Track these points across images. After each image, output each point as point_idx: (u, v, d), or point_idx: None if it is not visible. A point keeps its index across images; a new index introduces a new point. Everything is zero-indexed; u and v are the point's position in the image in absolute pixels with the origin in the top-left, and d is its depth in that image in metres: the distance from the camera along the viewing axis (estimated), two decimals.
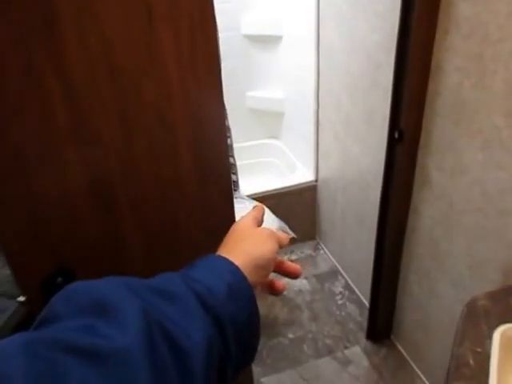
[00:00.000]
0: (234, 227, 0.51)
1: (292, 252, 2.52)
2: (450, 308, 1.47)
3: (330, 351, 1.91)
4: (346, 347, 1.93)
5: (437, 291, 1.52)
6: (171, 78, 0.81)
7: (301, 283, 2.30)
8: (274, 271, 0.50)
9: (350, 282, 2.27)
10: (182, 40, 0.79)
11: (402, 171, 1.50)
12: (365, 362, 1.85)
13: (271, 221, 1.90)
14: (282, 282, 0.50)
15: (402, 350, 1.86)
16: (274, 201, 2.28)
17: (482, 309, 0.99)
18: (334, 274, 2.36)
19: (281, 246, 0.50)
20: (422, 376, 1.73)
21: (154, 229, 0.95)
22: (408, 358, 1.82)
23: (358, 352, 1.90)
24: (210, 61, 0.84)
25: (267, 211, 1.93)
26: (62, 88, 0.73)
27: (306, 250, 2.54)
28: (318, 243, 2.59)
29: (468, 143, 1.21)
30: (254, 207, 0.56)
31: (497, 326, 0.94)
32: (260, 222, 0.54)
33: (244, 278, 0.39)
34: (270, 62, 2.66)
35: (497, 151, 1.12)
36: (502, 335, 0.92)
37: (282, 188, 2.39)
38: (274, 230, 0.52)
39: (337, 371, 1.82)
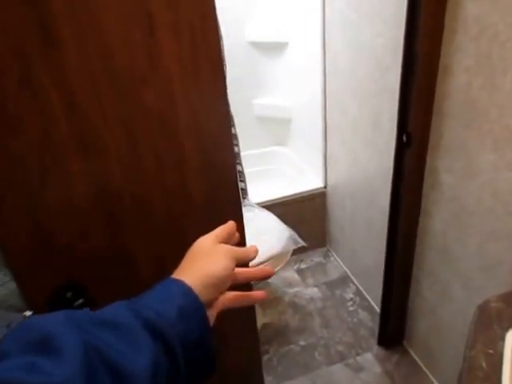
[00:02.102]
0: (192, 246, 0.52)
1: (302, 260, 2.51)
2: (462, 311, 1.45)
3: (342, 358, 1.89)
4: (358, 354, 1.90)
5: (449, 295, 1.50)
6: (173, 85, 0.81)
7: (312, 291, 2.28)
8: (247, 281, 0.52)
9: (360, 288, 2.25)
10: (184, 47, 0.79)
11: (411, 175, 1.49)
12: (377, 369, 1.82)
13: (280, 229, 1.90)
14: (259, 292, 0.53)
15: (415, 356, 1.83)
16: (283, 208, 2.28)
17: (494, 311, 0.98)
18: (344, 280, 2.34)
19: (243, 261, 0.51)
20: (435, 381, 1.71)
21: (161, 238, 0.94)
22: (420, 364, 1.79)
23: (370, 358, 1.88)
24: (213, 68, 0.84)
25: (276, 220, 1.93)
26: (63, 98, 0.73)
27: (317, 257, 2.53)
28: (328, 250, 2.58)
29: (478, 144, 1.20)
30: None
31: (509, 327, 0.93)
32: (225, 240, 0.53)
33: (196, 298, 0.41)
34: (276, 68, 2.68)
35: (508, 152, 1.11)
36: None
37: (291, 195, 2.38)
38: (237, 246, 0.53)
39: (349, 378, 1.80)
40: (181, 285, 0.42)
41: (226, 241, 0.53)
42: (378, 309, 2.04)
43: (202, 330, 0.41)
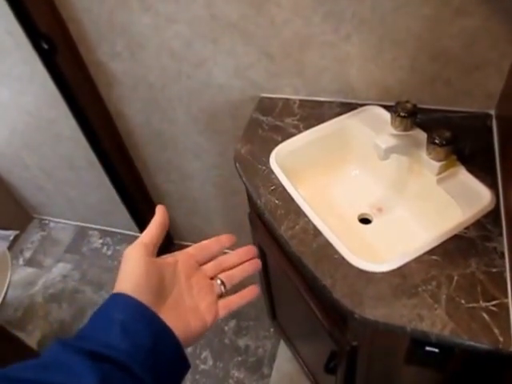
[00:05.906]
0: None
1: (21, 251, 2.05)
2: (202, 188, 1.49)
3: None
4: None
5: (187, 175, 1.49)
6: None
7: (59, 269, 1.93)
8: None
9: (105, 227, 2.04)
10: None
11: (78, 86, 1.25)
12: None
13: None
14: (251, 288, 0.47)
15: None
16: None
17: (247, 153, 0.98)
18: (83, 233, 2.06)
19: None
20: None
21: None
22: None
23: None
24: None
25: None
26: None
27: (33, 235, 2.11)
28: (42, 220, 2.17)
29: (127, 10, 1.05)
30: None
31: (268, 157, 0.95)
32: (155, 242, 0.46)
33: (138, 305, 0.38)
34: None
35: (161, 5, 1.01)
36: (277, 162, 0.94)
37: None
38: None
39: None
40: (117, 298, 0.39)
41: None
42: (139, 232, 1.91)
43: (155, 333, 0.38)
